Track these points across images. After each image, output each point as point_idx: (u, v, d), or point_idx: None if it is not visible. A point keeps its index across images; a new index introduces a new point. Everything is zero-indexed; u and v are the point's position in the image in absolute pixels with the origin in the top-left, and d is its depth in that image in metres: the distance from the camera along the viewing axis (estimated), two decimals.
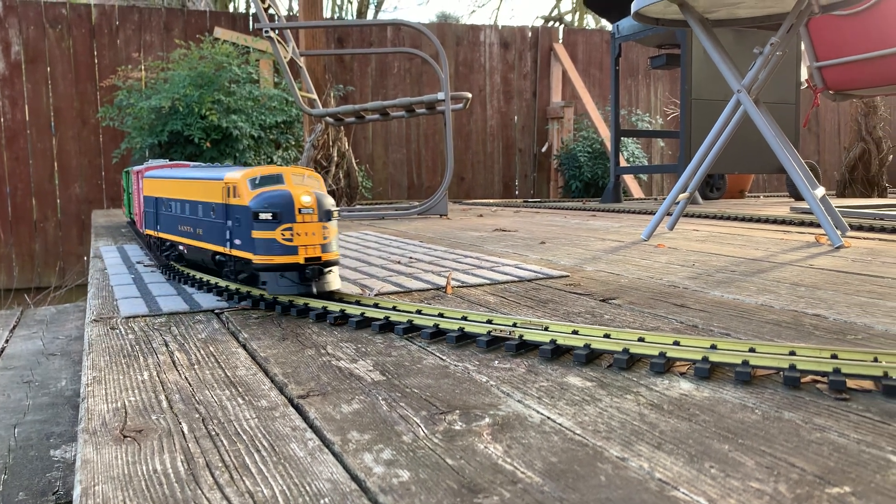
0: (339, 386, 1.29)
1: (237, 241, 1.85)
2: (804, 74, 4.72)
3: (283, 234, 1.74)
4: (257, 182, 1.80)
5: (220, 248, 1.97)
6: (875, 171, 7.13)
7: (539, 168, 9.81)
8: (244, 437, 1.07)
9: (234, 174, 1.86)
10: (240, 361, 1.48)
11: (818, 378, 1.25)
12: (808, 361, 1.25)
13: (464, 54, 9.60)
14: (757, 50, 3.03)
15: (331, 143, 5.84)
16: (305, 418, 1.14)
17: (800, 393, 1.21)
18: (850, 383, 1.22)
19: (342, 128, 5.95)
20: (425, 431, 1.07)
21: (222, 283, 2.15)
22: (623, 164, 8.50)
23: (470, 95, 5.21)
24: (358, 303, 1.88)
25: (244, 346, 1.60)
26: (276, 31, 4.86)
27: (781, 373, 1.27)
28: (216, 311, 1.96)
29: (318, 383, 1.31)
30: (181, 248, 2.28)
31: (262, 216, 1.74)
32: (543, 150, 10.06)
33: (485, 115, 9.58)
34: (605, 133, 8.87)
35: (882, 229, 3.96)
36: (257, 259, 1.78)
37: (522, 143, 9.79)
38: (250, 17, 8.83)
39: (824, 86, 4.53)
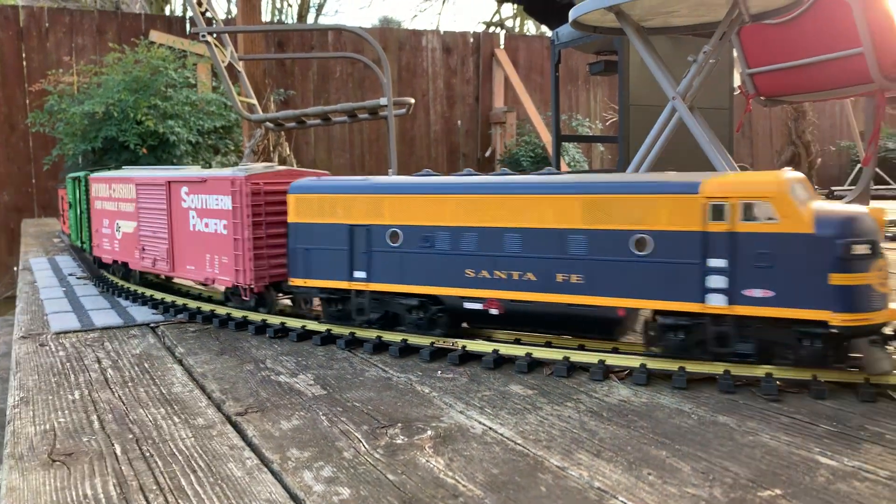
0: (279, 402, 1.27)
1: (754, 293, 1.21)
2: (737, 81, 4.86)
3: (879, 277, 1.17)
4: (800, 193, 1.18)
5: (668, 305, 1.30)
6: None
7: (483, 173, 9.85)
8: (180, 458, 1.04)
9: (728, 180, 1.21)
10: (176, 378, 1.44)
11: (751, 382, 1.28)
12: (742, 367, 1.28)
13: (406, 59, 9.59)
14: (691, 58, 3.10)
15: (271, 149, 5.75)
16: (244, 436, 1.12)
17: (734, 396, 1.24)
18: (782, 386, 1.26)
19: (283, 133, 5.87)
20: (367, 446, 1.06)
21: (157, 296, 2.09)
22: (564, 168, 8.64)
23: (413, 101, 5.21)
24: (299, 315, 1.86)
25: (180, 362, 1.56)
26: (214, 35, 4.77)
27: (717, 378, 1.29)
28: (152, 324, 1.90)
29: (257, 399, 1.28)
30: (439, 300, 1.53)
31: (856, 250, 1.15)
32: (487, 154, 10.12)
33: (428, 120, 9.60)
34: (547, 138, 8.98)
35: None
36: (843, 319, 1.16)
37: (466, 147, 9.84)
38: (187, 21, 8.65)
39: (756, 92, 4.67)
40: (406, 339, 1.54)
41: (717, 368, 1.29)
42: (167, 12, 12.39)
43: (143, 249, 2.20)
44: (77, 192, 2.82)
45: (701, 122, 3.10)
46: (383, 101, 4.76)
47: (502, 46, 9.96)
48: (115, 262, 2.41)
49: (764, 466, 0.96)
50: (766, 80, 4.38)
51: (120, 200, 2.34)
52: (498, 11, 13.17)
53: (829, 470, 0.94)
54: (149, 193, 2.16)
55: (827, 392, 1.22)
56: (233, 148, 7.33)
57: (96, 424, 1.18)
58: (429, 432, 1.10)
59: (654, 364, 1.33)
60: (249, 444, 1.09)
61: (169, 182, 2.05)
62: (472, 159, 9.84)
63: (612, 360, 1.37)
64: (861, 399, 1.20)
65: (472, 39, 9.73)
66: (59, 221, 5.64)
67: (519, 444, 1.05)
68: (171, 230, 2.06)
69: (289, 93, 8.76)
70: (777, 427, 1.10)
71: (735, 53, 4.66)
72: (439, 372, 1.42)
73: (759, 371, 1.27)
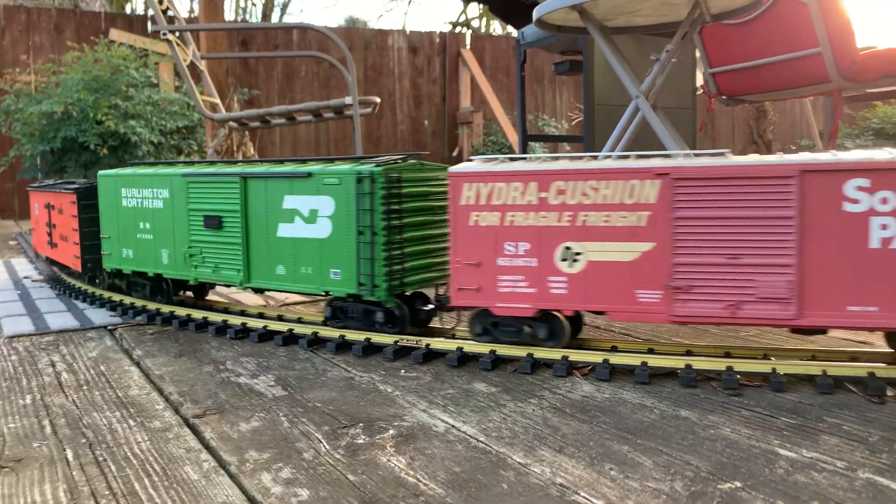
0: (239, 403, 1.24)
1: None
2: (700, 80, 4.93)
3: None
4: None
5: None
6: None
7: None
8: (134, 462, 1.01)
9: None
10: (133, 380, 1.40)
11: (713, 376, 1.29)
12: (703, 361, 1.29)
13: (372, 59, 9.55)
14: (654, 57, 3.13)
15: (235, 149, 5.68)
16: (201, 439, 1.09)
17: (695, 391, 1.25)
18: (742, 379, 1.27)
19: (247, 133, 5.81)
20: (327, 447, 1.04)
21: (116, 298, 2.05)
22: None
23: (378, 100, 5.18)
24: (261, 315, 1.83)
25: (138, 364, 1.52)
26: (176, 34, 4.70)
27: (679, 372, 1.30)
28: (109, 327, 1.86)
29: (216, 401, 1.25)
30: None
31: None
32: (454, 154, 10.13)
33: (395, 119, 9.57)
34: (514, 137, 9.01)
35: None
36: None
37: (433, 147, 9.83)
38: (148, 19, 8.52)
39: (718, 91, 4.72)
40: (369, 338, 1.53)
41: (678, 363, 1.30)
42: (128, 10, 12.19)
43: (690, 289, 1.28)
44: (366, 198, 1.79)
45: (664, 120, 3.13)
46: (348, 100, 4.73)
47: (468, 46, 9.97)
48: (542, 312, 1.41)
49: (724, 459, 0.97)
50: (727, 79, 4.44)
51: (575, 209, 1.36)
52: (464, 11, 13.18)
53: (788, 461, 0.95)
54: (732, 192, 1.26)
55: (786, 385, 1.23)
56: (196, 148, 7.24)
57: (48, 429, 1.15)
58: (391, 431, 1.09)
59: (616, 359, 1.34)
60: (207, 447, 1.06)
61: (810, 170, 1.23)
62: (439, 159, 9.83)
63: (576, 356, 1.37)
64: (819, 391, 1.21)
65: (438, 39, 9.73)
66: (17, 226, 5.47)
67: (482, 442, 1.04)
68: (807, 250, 1.24)
69: (253, 92, 8.67)
70: (738, 420, 1.11)
71: (698, 53, 4.72)
72: (403, 371, 1.41)
73: (721, 365, 1.27)
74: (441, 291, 1.64)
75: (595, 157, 1.42)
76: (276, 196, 1.64)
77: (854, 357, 1.34)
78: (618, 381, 1.31)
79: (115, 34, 8.04)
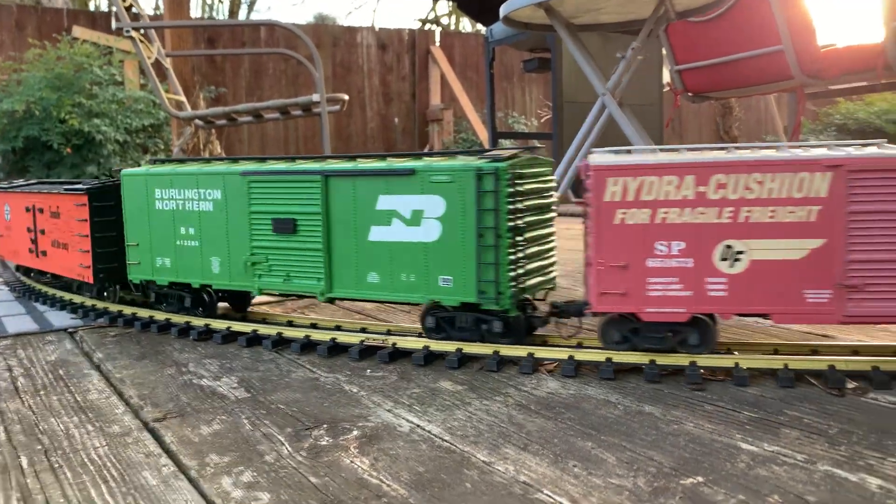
0: (200, 406, 1.22)
1: None
2: (667, 78, 4.97)
3: None
4: None
5: None
6: None
7: None
8: (91, 468, 0.99)
9: None
10: (92, 384, 1.37)
11: (677, 371, 1.30)
12: (667, 357, 1.30)
13: (341, 56, 9.50)
14: (619, 54, 3.14)
15: (201, 147, 5.61)
16: (161, 443, 1.07)
17: (660, 386, 1.26)
18: (706, 374, 1.28)
19: (214, 131, 5.74)
20: (289, 449, 1.03)
21: (77, 300, 2.01)
22: None
23: (346, 97, 5.15)
24: (225, 316, 1.81)
25: (98, 368, 1.49)
26: (140, 31, 4.63)
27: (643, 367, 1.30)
28: (70, 329, 1.82)
29: (177, 404, 1.23)
30: None
31: None
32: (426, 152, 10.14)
33: (365, 117, 9.52)
34: (484, 135, 9.02)
35: None
36: None
37: (404, 144, 9.81)
38: (112, 16, 8.38)
39: (684, 88, 4.77)
40: (335, 339, 1.51)
41: (643, 358, 1.30)
42: (91, 7, 11.98)
43: (865, 287, 1.23)
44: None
45: (631, 117, 3.15)
46: (316, 97, 4.69)
47: (438, 44, 9.96)
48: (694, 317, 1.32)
49: (687, 454, 0.97)
50: (693, 76, 4.48)
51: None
52: (433, 9, 13.18)
53: (750, 455, 0.96)
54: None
55: (749, 379, 1.24)
56: (162, 147, 7.14)
57: (2, 436, 1.12)
58: (355, 432, 1.08)
59: (582, 356, 1.34)
60: (167, 451, 1.04)
61: None
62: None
63: (542, 352, 1.37)
64: (781, 385, 1.22)
65: (407, 36, 9.70)
66: None
67: (446, 441, 1.04)
68: None
69: (220, 90, 8.57)
70: (701, 415, 1.11)
71: (664, 51, 4.75)
72: (368, 371, 1.40)
73: (684, 360, 1.28)
74: (541, 297, 1.53)
75: (761, 148, 1.35)
76: (367, 196, 1.47)
77: (815, 350, 1.36)
78: (583, 377, 1.32)
79: (77, 31, 7.89)
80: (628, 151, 1.35)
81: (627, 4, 2.88)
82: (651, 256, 1.29)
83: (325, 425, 1.11)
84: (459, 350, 1.40)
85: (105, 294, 1.96)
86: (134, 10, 5.13)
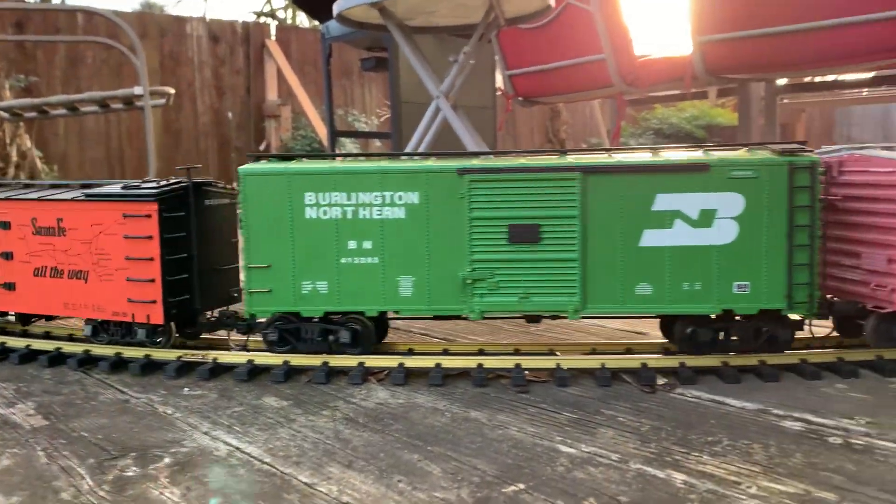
0: None
1: None
2: (500, 82, 5.12)
3: None
4: None
5: None
6: None
7: None
8: None
9: None
10: None
11: (503, 374, 1.32)
12: (494, 360, 1.32)
13: (169, 47, 8.99)
14: (452, 58, 3.18)
15: (8, 142, 5.11)
16: None
17: (487, 390, 1.27)
18: (530, 376, 1.31)
19: (22, 124, 5.24)
20: (91, 483, 0.93)
21: None
22: None
23: (172, 91, 4.88)
24: (25, 333, 1.63)
25: None
26: None
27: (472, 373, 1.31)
28: None
29: None
30: None
31: None
32: (262, 148, 9.80)
33: (196, 111, 9.07)
34: (323, 132, 8.88)
35: None
36: None
37: (239, 140, 9.44)
38: None
39: (515, 93, 4.93)
40: (149, 355, 1.41)
41: (471, 363, 1.31)
42: None
43: None
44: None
45: (464, 119, 3.20)
46: (138, 90, 4.40)
47: (274, 37, 9.69)
48: None
49: (510, 461, 0.98)
50: (523, 81, 4.64)
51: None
52: (268, 2, 12.80)
53: (569, 458, 0.99)
54: None
55: (569, 379, 1.29)
56: None
57: None
58: (166, 460, 1.00)
59: (412, 362, 1.33)
60: None
61: None
62: (246, 153, 9.48)
63: (372, 361, 1.34)
64: (599, 384, 1.28)
65: (240, 29, 9.36)
66: None
67: (266, 464, 0.99)
68: None
69: (30, 79, 7.84)
70: (524, 418, 1.14)
71: (497, 56, 4.88)
72: (186, 389, 1.31)
73: (510, 363, 1.31)
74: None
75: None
76: (640, 195, 1.30)
77: (629, 349, 1.43)
78: (413, 384, 1.31)
79: None
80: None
81: (459, 9, 2.92)
82: None
83: (133, 453, 1.02)
84: (286, 363, 1.35)
85: (159, 340, 1.48)
86: None
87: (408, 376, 1.31)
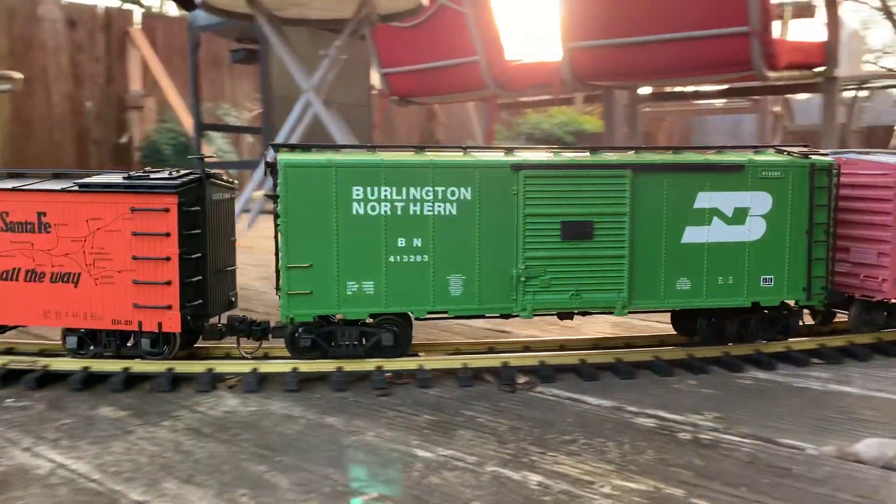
0: None
1: None
2: (375, 79, 5.07)
3: None
4: None
5: None
6: None
7: (120, 161, 8.97)
8: None
9: None
10: None
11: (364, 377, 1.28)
12: (355, 364, 1.27)
13: (20, 30, 8.31)
14: (322, 52, 3.11)
15: None
16: None
17: (346, 394, 1.22)
18: (391, 378, 1.27)
19: None
20: None
21: None
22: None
23: (20, 76, 4.51)
24: None
25: None
26: None
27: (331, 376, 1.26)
28: None
29: None
30: None
31: None
32: (123, 140, 9.24)
33: (50, 100, 8.43)
34: (190, 125, 8.48)
35: None
36: None
37: (98, 132, 8.86)
38: None
39: (390, 91, 4.88)
40: None
41: (330, 367, 1.26)
42: None
43: None
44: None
45: (336, 115, 3.12)
46: None
47: (138, 25, 9.19)
48: None
49: (363, 469, 0.94)
50: (398, 80, 4.61)
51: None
52: None
53: (424, 463, 0.95)
54: None
55: (431, 380, 1.26)
56: None
57: None
58: None
59: (266, 367, 1.26)
60: None
61: None
62: (106, 146, 8.93)
63: (222, 367, 1.26)
64: (460, 384, 1.26)
65: (101, 14, 8.81)
66: None
67: (94, 481, 0.89)
68: None
69: None
70: (382, 423, 1.10)
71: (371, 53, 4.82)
72: (11, 400, 1.18)
73: (370, 365, 1.26)
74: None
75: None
76: (683, 193, 1.34)
77: (491, 348, 1.43)
78: (267, 390, 1.24)
79: None
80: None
81: (332, 2, 2.85)
82: None
83: None
84: (126, 370, 1.24)
85: (165, 349, 1.29)
86: None
87: (262, 382, 1.24)
